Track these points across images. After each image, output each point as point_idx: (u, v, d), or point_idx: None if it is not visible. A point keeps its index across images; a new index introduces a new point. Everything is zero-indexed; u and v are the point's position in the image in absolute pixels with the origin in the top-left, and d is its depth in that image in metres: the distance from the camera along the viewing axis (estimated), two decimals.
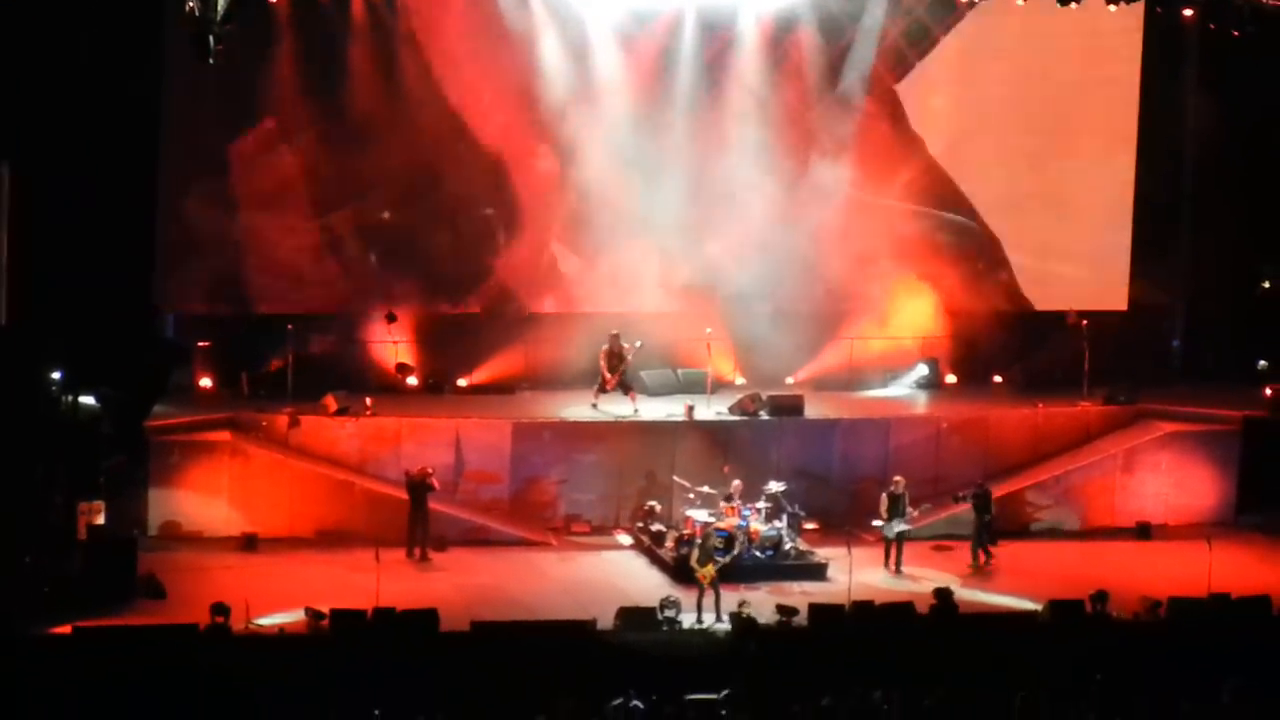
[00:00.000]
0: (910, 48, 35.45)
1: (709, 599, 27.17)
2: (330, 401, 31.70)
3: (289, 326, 32.64)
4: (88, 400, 29.32)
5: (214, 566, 28.63)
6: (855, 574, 28.06)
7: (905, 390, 35.38)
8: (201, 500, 30.26)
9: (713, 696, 22.83)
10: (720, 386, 33.45)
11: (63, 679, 23.56)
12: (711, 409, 32.71)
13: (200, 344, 33.16)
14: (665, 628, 26.40)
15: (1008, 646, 25.51)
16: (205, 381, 33.07)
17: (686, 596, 27.34)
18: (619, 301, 34.34)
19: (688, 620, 26.81)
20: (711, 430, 32.30)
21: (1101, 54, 35.59)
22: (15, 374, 28.22)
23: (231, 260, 33.33)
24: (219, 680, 23.57)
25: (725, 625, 26.56)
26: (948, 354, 36.09)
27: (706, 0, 34.29)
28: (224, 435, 30.77)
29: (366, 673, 24.00)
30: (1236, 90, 35.27)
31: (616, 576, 29.49)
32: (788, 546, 29.81)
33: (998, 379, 35.91)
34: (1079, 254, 36.28)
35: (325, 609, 25.52)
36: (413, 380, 33.90)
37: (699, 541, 28.09)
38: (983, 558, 30.38)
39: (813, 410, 33.06)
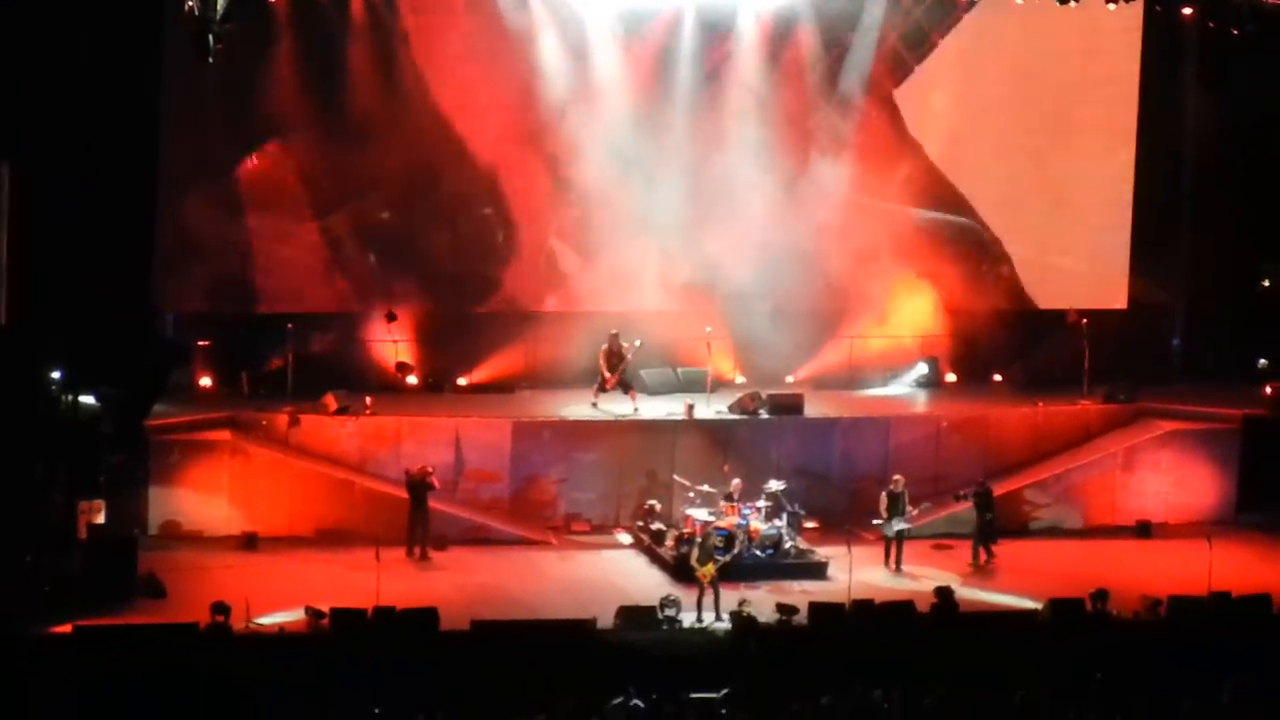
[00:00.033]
0: (909, 51, 35.41)
1: (709, 598, 27.18)
2: (330, 400, 31.70)
3: (289, 325, 32.63)
4: (88, 399, 29.30)
5: (214, 565, 28.63)
6: (855, 573, 28.07)
7: (905, 389, 35.39)
8: (202, 499, 30.27)
9: (713, 695, 22.81)
10: (720, 385, 33.45)
11: (63, 678, 23.60)
12: (711, 408, 32.71)
13: (200, 343, 33.15)
14: (665, 627, 26.41)
15: (1008, 645, 25.55)
16: (205, 381, 33.07)
17: (686, 595, 27.34)
18: (619, 300, 34.34)
19: (688, 619, 26.81)
20: (711, 429, 32.31)
21: (1101, 53, 35.59)
22: (15, 373, 28.21)
23: (231, 259, 33.32)
24: (219, 679, 23.60)
25: (725, 624, 26.57)
26: (948, 353, 36.09)
27: None
28: (224, 434, 30.77)
29: (366, 672, 24.03)
30: (1236, 89, 35.32)
31: (616, 575, 29.49)
32: (788, 545, 29.81)
33: (998, 378, 35.92)
34: (1079, 252, 36.29)
35: (325, 608, 25.53)
36: (413, 379, 33.89)
37: (699, 540, 28.11)
38: (984, 556, 30.38)
39: (812, 409, 33.06)
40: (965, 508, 30.85)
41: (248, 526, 30.08)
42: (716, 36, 34.50)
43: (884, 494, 30.13)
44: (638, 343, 32.85)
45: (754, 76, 34.63)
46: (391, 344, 33.73)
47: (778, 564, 29.47)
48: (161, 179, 32.17)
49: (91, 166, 29.72)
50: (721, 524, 29.10)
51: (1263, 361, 35.68)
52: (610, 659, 24.78)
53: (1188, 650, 25.39)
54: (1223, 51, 34.25)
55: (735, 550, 28.54)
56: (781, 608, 26.77)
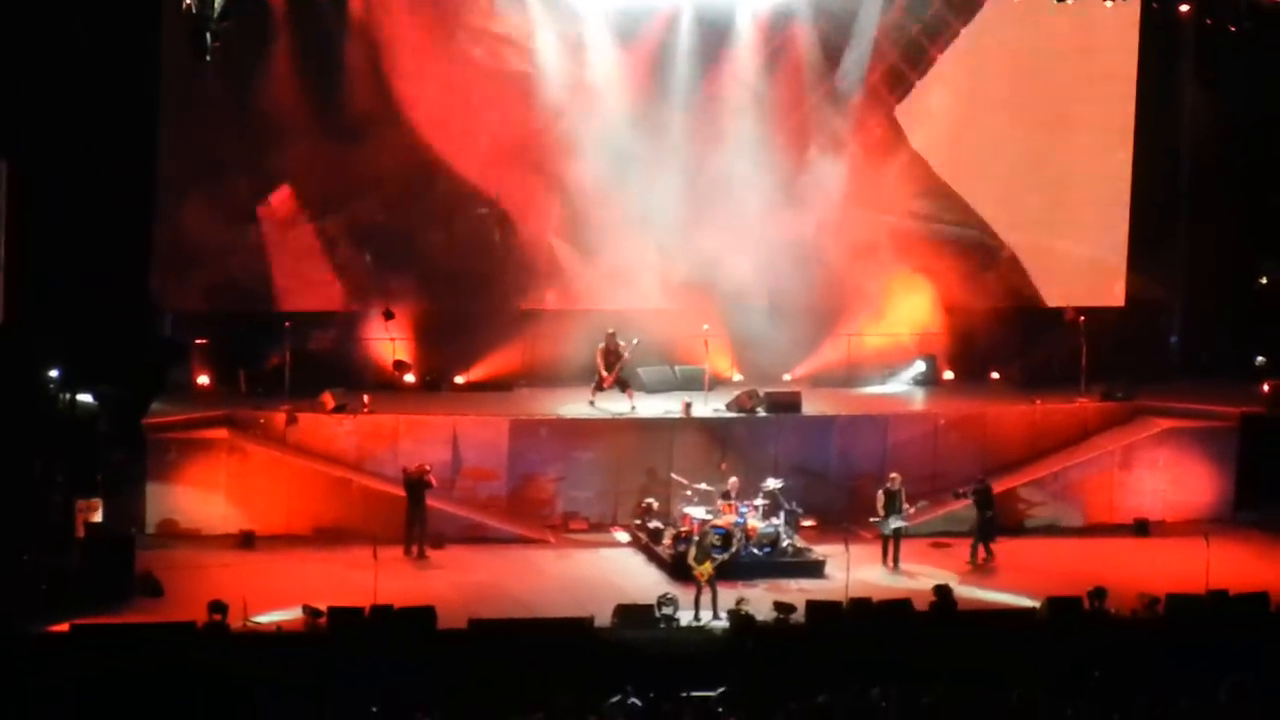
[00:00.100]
0: (906, 50, 35.39)
1: (706, 596, 27.18)
2: (328, 399, 31.69)
3: (286, 324, 32.62)
4: (86, 398, 29.36)
5: (211, 564, 28.62)
6: (853, 571, 28.05)
7: (903, 387, 35.36)
8: (199, 497, 30.27)
9: (710, 694, 22.81)
10: (718, 383, 33.42)
11: (60, 677, 23.57)
12: (709, 406, 32.69)
13: (198, 341, 33.13)
14: (663, 625, 26.40)
15: (1006, 644, 25.54)
16: (203, 379, 33.06)
17: (684, 594, 27.34)
18: (616, 298, 34.33)
19: (685, 617, 26.81)
20: (709, 427, 32.30)
21: (1098, 51, 35.53)
22: (14, 372, 28.23)
23: (230, 258, 33.30)
24: (216, 678, 23.58)
25: (723, 622, 26.58)
26: (945, 350, 36.05)
27: None
28: (222, 433, 30.76)
29: (364, 670, 24.03)
30: (1233, 86, 35.32)
31: (614, 574, 29.48)
32: (785, 544, 29.80)
33: (995, 375, 35.91)
34: (1076, 250, 36.26)
35: (323, 606, 25.51)
36: (410, 377, 33.88)
37: (696, 539, 28.10)
38: (983, 554, 30.37)
39: (810, 407, 33.05)
40: (963, 505, 30.84)
41: (245, 525, 30.08)
42: (714, 33, 34.47)
43: (881, 492, 30.11)
44: (635, 341, 32.84)
45: (751, 73, 34.63)
46: (389, 342, 33.71)
47: (775, 562, 29.45)
48: (159, 178, 32.21)
49: (90, 165, 29.79)
50: (719, 522, 29.10)
51: (1260, 359, 35.70)
52: (608, 657, 24.78)
53: (1186, 648, 25.37)
54: (1220, 49, 34.27)
55: (733, 549, 28.54)
56: (779, 606, 26.74)
